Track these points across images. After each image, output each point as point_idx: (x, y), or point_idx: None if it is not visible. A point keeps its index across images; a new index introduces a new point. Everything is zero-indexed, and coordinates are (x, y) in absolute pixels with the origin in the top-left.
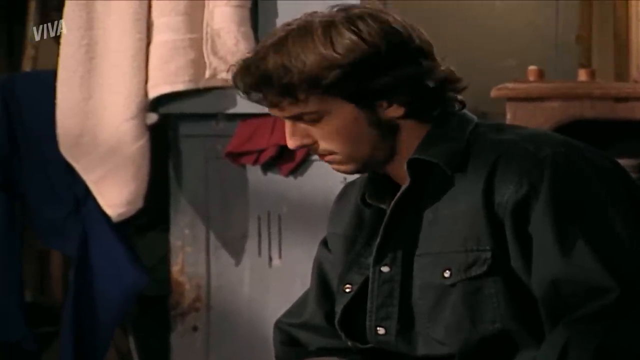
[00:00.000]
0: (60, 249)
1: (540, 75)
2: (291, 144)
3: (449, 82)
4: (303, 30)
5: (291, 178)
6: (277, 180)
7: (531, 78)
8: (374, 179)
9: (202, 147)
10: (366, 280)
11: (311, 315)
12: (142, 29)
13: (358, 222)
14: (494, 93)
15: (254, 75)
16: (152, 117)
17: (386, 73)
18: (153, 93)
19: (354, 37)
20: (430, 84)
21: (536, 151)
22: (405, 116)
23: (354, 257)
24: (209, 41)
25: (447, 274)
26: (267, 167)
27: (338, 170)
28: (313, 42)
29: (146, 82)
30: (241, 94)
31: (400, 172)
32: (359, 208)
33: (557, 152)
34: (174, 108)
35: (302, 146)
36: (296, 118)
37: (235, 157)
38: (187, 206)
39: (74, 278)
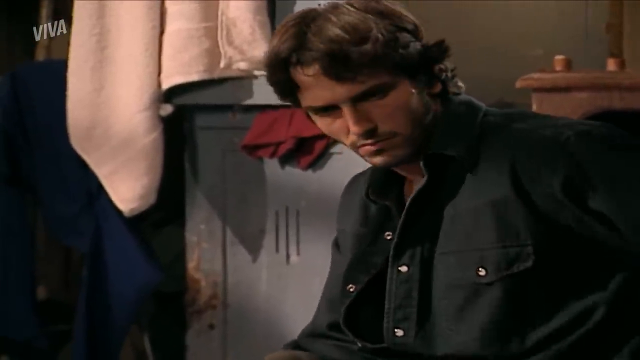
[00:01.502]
0: (73, 245)
1: (568, 64)
2: (358, 129)
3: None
4: (345, 15)
5: (310, 171)
6: (295, 173)
7: (558, 68)
8: (376, 172)
9: (218, 140)
10: (372, 280)
11: (317, 322)
12: (155, 17)
13: (364, 218)
14: (519, 83)
15: (333, 48)
16: (167, 109)
17: (424, 42)
18: (166, 84)
19: (384, 7)
20: (443, 55)
21: (555, 136)
22: (438, 94)
23: (359, 255)
24: (224, 30)
25: (482, 272)
26: (285, 160)
27: (389, 161)
28: (366, 16)
29: (160, 72)
30: (299, 70)
31: (417, 161)
32: (365, 203)
33: (576, 133)
34: (189, 99)
35: (367, 131)
36: (363, 95)
37: (252, 149)
38: (203, 201)
39: (87, 274)
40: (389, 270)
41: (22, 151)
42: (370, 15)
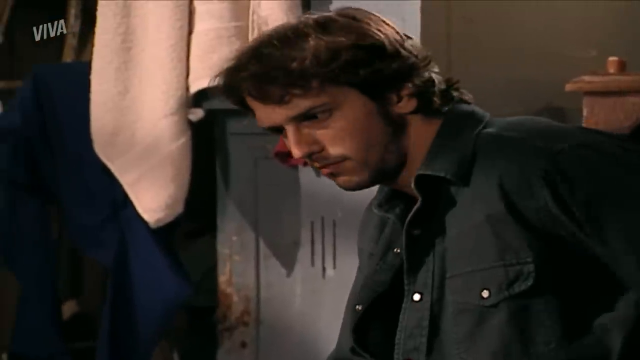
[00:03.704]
0: (97, 257)
1: (622, 67)
2: (298, 152)
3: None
4: (287, 30)
5: None
6: (331, 182)
7: (611, 70)
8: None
9: (250, 146)
10: (377, 298)
11: (340, 347)
12: (183, 16)
13: (379, 235)
14: (569, 87)
15: (258, 68)
16: (197, 113)
17: (392, 60)
18: (194, 87)
19: (349, 22)
20: (433, 74)
21: (547, 147)
22: (416, 110)
23: (368, 274)
24: (256, 30)
25: (485, 294)
26: None
27: (348, 185)
28: (309, 33)
29: (187, 74)
30: (232, 100)
31: (409, 181)
32: (382, 220)
33: (571, 144)
34: (219, 103)
35: (310, 154)
36: (303, 117)
37: (286, 157)
38: (234, 211)
39: (111, 288)
40: (405, 299)
41: (43, 158)
42: (321, 33)
